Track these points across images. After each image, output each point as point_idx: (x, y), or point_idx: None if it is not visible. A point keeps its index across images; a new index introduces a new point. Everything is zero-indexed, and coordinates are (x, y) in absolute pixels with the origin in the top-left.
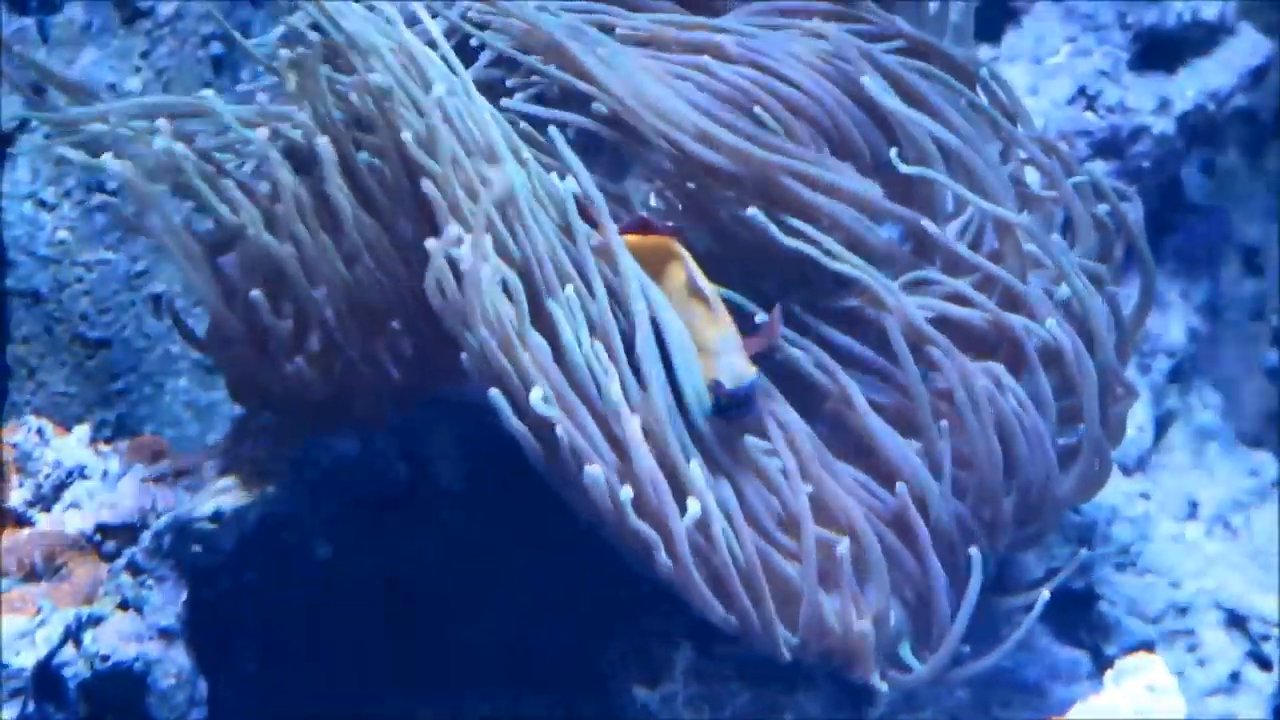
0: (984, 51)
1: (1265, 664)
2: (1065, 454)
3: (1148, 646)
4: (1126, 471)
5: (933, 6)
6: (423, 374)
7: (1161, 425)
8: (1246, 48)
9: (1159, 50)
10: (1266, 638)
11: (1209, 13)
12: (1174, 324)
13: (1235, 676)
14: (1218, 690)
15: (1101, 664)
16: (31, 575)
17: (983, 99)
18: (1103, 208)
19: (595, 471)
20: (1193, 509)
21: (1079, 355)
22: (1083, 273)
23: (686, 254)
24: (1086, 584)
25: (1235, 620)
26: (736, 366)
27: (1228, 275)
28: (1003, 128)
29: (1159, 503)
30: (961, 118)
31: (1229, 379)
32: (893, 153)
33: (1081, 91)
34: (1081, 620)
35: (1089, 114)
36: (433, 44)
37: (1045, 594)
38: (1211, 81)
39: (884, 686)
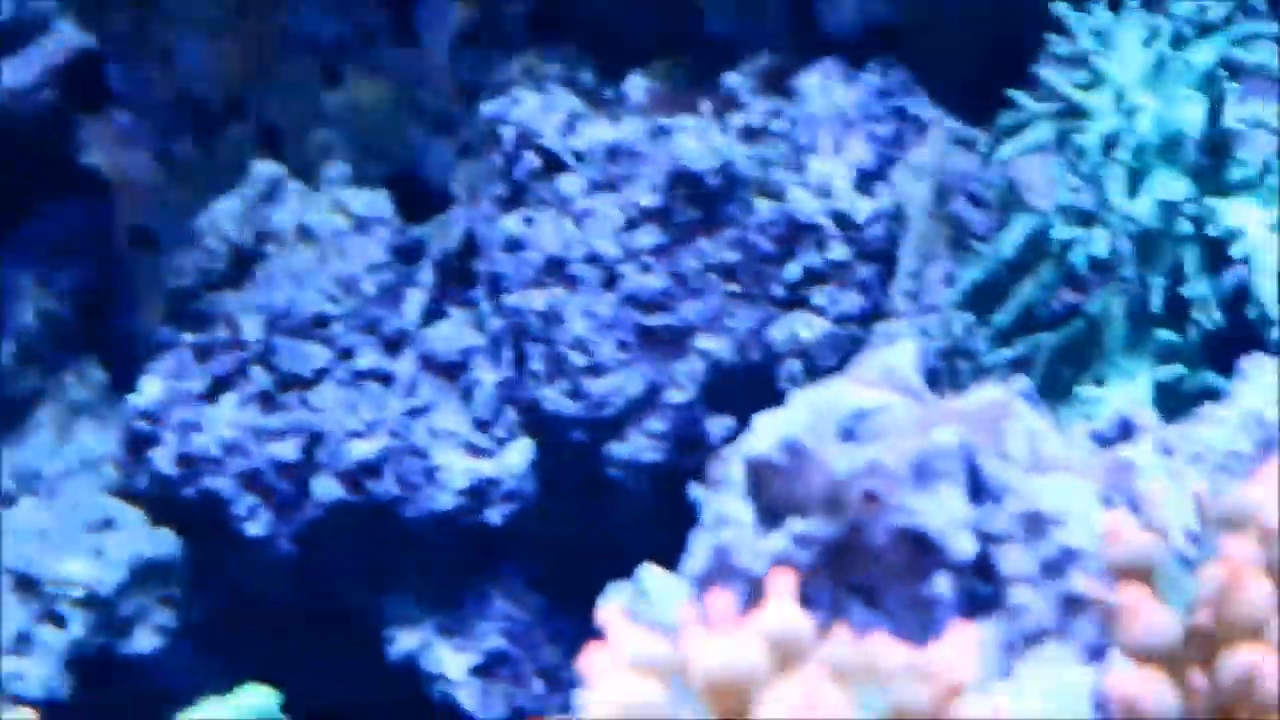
0: None
1: (60, 622)
2: None
3: None
4: None
5: None
6: None
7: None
8: (56, 42)
9: None
10: (59, 597)
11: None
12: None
13: (26, 637)
14: (10, 652)
15: None
16: None
17: None
18: None
19: None
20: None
21: None
22: None
23: None
24: None
25: (27, 583)
26: None
27: None
28: None
29: None
30: None
31: None
32: None
33: None
34: None
35: None
36: None
37: None
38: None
39: None
